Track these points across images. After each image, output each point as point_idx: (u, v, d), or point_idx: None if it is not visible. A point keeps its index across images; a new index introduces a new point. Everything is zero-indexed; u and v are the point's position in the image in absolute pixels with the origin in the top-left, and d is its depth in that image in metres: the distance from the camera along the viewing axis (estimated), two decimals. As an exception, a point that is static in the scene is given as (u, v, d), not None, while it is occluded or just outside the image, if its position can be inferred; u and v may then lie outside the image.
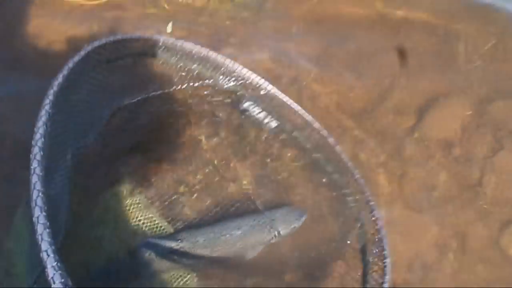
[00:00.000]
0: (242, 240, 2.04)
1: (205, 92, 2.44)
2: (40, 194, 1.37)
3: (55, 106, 1.66)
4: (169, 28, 2.89)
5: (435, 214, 2.50)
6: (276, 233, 2.10)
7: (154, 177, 2.27)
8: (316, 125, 2.44)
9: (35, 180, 1.40)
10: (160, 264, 1.98)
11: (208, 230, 2.04)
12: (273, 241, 2.12)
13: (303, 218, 2.17)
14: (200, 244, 2.01)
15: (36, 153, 1.47)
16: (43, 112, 1.59)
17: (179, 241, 1.99)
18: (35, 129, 1.53)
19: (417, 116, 2.84)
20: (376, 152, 2.67)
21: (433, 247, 2.41)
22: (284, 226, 2.12)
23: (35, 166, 1.44)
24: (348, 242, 2.23)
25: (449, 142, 2.76)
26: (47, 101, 1.63)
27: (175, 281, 2.02)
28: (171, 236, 2.04)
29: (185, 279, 2.02)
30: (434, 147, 2.73)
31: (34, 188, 1.39)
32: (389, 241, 2.13)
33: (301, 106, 2.46)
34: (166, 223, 2.15)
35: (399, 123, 2.82)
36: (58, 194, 1.81)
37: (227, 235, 2.03)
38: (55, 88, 1.69)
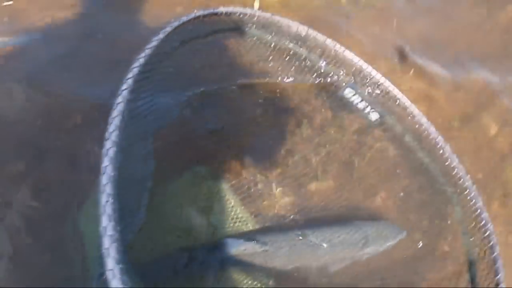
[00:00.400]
0: (330, 254, 1.82)
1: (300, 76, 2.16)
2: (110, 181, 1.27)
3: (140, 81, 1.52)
4: (256, 4, 2.59)
5: None
6: (368, 250, 1.85)
7: (236, 166, 2.09)
8: (425, 121, 2.09)
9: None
10: (236, 266, 1.84)
11: (294, 238, 1.83)
12: (363, 257, 1.88)
13: (400, 236, 1.89)
14: (284, 251, 1.81)
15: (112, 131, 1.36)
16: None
17: (263, 244, 1.81)
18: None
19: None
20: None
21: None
22: (379, 243, 1.85)
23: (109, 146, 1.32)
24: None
25: None
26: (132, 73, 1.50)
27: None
28: (253, 237, 1.86)
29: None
30: None
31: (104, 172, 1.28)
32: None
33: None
34: (248, 215, 1.97)
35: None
36: (136, 178, 1.71)
37: (314, 247, 1.81)
38: (142, 59, 1.54)
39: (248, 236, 1.86)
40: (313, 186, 2.09)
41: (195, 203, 1.99)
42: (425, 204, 2.00)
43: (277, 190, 2.04)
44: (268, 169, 2.09)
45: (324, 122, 2.16)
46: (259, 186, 2.05)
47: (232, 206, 1.97)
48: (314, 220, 1.95)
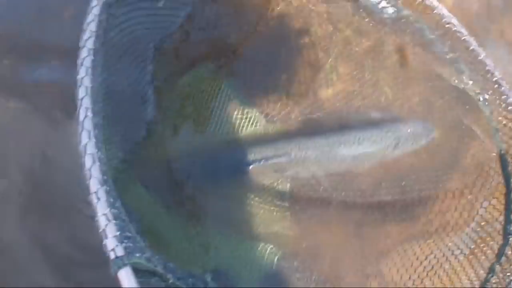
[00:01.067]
0: (360, 158, 1.70)
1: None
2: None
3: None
4: None
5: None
6: (399, 151, 1.74)
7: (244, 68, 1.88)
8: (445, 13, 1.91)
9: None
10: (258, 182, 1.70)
11: (321, 143, 1.69)
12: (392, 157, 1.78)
13: (432, 135, 1.79)
14: (311, 160, 1.68)
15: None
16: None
17: (286, 155, 1.66)
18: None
19: None
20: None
21: None
22: (410, 143, 1.75)
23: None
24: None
25: None
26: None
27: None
28: (275, 146, 1.71)
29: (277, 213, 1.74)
30: None
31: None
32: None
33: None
34: (263, 119, 1.81)
35: None
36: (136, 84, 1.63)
37: (344, 151, 1.68)
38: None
39: (269, 146, 1.71)
40: (329, 91, 1.93)
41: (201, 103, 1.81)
42: (451, 106, 1.89)
43: (294, 94, 1.87)
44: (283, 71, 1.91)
45: (342, 19, 1.95)
46: (275, 89, 1.88)
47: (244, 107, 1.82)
48: (339, 124, 1.82)
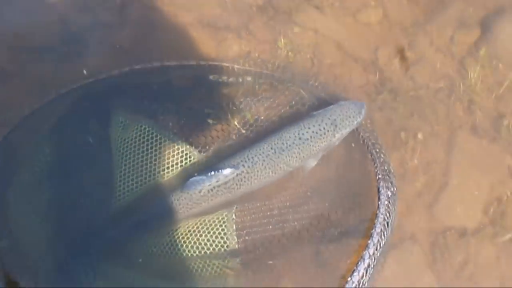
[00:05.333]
0: (304, 150, 1.76)
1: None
2: None
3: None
4: None
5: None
6: (339, 134, 1.81)
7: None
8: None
9: None
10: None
11: (264, 147, 1.74)
12: (336, 143, 1.85)
13: (364, 110, 1.88)
14: (258, 166, 1.72)
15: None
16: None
17: (234, 167, 1.69)
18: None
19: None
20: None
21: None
22: (347, 123, 1.83)
23: None
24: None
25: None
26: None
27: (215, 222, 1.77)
28: (219, 166, 1.74)
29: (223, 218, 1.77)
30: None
31: None
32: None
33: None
34: (196, 152, 1.85)
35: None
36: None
37: (288, 148, 1.73)
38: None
39: (211, 168, 1.75)
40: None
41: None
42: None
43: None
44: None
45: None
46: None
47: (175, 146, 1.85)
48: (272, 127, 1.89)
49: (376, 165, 1.88)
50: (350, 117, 1.84)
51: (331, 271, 1.81)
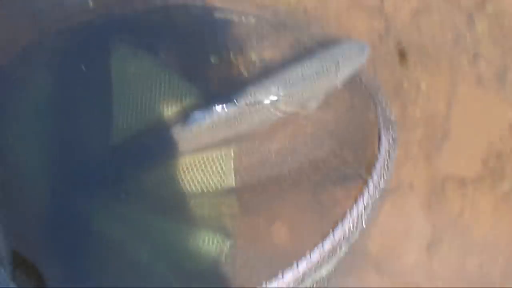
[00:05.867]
0: (307, 89, 1.74)
1: None
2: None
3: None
4: None
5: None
6: (342, 74, 1.79)
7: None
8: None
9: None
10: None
11: (267, 84, 1.71)
12: (338, 85, 1.82)
13: (367, 51, 1.84)
14: (261, 104, 1.70)
15: None
16: None
17: (235, 104, 1.67)
18: None
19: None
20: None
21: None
22: (350, 64, 1.80)
23: None
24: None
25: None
26: None
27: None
28: (221, 101, 1.71)
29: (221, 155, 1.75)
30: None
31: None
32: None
33: None
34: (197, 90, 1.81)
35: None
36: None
37: (291, 87, 1.71)
38: None
39: (215, 102, 1.72)
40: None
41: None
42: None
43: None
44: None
45: None
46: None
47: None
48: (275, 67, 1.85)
49: (377, 111, 1.86)
50: (352, 57, 1.81)
51: (327, 214, 1.82)
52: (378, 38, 2.23)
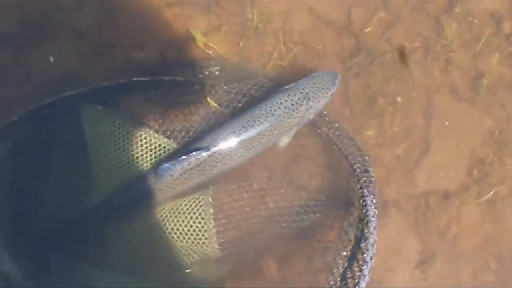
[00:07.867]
0: (277, 126, 1.71)
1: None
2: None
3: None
4: None
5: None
6: (314, 107, 1.76)
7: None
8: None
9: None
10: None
11: (236, 126, 1.68)
12: (311, 118, 1.79)
13: (338, 81, 1.82)
14: (230, 146, 1.67)
15: None
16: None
17: (205, 150, 1.64)
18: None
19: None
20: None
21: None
22: (321, 95, 1.77)
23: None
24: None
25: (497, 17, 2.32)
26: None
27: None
28: (190, 149, 1.69)
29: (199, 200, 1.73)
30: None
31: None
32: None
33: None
34: (166, 139, 1.80)
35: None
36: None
37: (260, 126, 1.68)
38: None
39: (184, 150, 1.70)
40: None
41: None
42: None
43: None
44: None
45: None
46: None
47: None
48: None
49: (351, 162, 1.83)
50: (323, 88, 1.78)
51: (313, 243, 1.82)
52: (349, 55, 2.18)
